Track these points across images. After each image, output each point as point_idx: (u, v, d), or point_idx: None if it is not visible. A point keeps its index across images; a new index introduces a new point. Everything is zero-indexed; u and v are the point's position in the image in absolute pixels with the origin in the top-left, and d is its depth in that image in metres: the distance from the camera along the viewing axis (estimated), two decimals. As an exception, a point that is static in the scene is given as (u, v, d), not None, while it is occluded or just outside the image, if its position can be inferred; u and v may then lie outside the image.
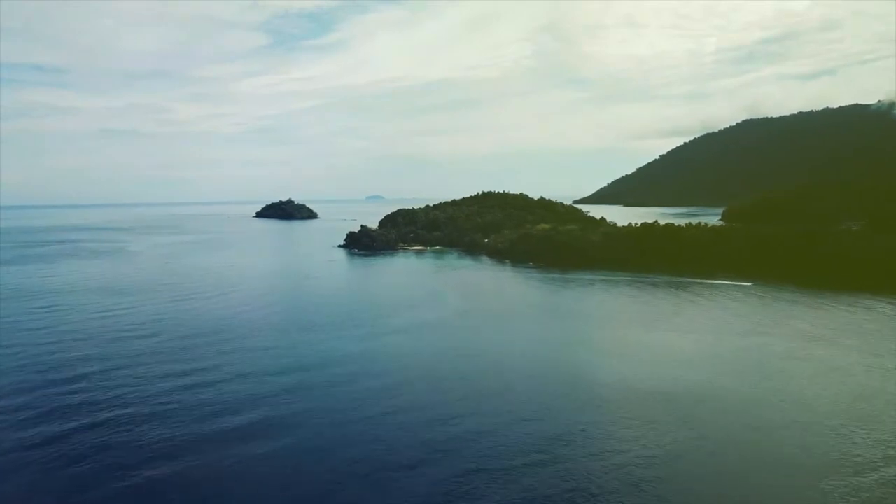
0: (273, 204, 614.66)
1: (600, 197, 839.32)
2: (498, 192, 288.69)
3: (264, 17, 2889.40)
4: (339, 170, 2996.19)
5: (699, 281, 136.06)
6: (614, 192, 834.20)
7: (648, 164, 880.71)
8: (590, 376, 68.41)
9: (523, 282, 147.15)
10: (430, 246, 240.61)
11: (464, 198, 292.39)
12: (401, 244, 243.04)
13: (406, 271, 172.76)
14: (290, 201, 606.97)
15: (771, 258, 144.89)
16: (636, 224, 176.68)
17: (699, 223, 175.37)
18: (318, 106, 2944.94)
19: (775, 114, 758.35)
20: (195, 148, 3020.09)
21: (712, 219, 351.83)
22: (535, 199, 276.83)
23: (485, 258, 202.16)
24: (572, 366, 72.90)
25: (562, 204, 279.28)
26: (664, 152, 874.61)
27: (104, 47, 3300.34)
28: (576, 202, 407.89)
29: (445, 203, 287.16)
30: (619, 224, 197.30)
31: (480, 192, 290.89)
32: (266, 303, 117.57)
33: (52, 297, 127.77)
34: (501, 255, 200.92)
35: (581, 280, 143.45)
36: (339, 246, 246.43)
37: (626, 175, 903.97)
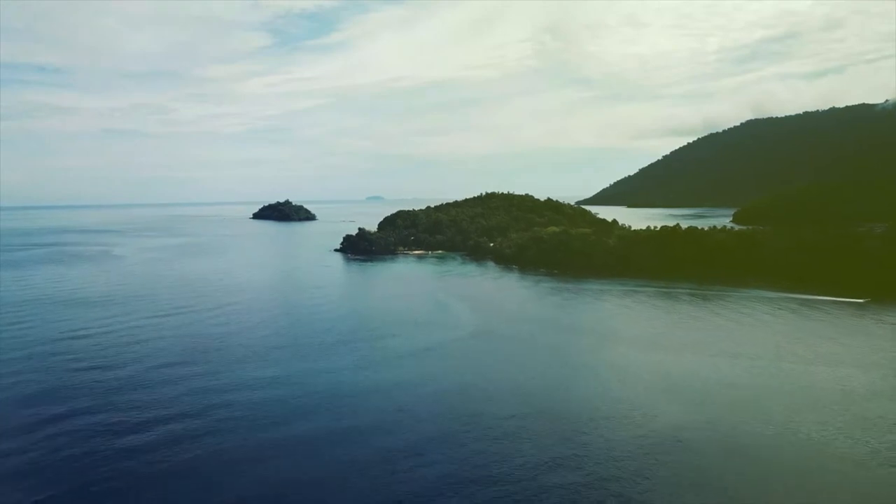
0: (270, 205, 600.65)
1: (603, 198, 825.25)
2: (502, 193, 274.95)
3: (266, 17, 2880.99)
4: (339, 170, 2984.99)
5: (740, 292, 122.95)
6: (617, 193, 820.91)
7: (651, 164, 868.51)
8: (641, 422, 55.31)
9: (537, 293, 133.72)
10: (432, 250, 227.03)
11: (466, 199, 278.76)
12: (401, 248, 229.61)
13: (407, 280, 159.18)
14: (287, 202, 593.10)
15: (813, 265, 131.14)
16: (655, 227, 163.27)
17: (724, 227, 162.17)
18: (319, 106, 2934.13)
19: (780, 113, 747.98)
20: (197, 148, 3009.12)
21: (723, 220, 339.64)
22: (542, 200, 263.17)
23: (491, 264, 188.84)
24: (620, 411, 59.66)
25: (570, 205, 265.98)
26: (666, 152, 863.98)
27: (106, 47, 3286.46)
28: (578, 203, 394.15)
29: (448, 204, 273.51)
30: (631, 227, 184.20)
31: (484, 193, 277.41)
32: (250, 321, 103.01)
33: (15, 309, 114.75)
34: (509, 260, 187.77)
35: (601, 291, 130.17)
36: (336, 250, 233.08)
37: (629, 176, 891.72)
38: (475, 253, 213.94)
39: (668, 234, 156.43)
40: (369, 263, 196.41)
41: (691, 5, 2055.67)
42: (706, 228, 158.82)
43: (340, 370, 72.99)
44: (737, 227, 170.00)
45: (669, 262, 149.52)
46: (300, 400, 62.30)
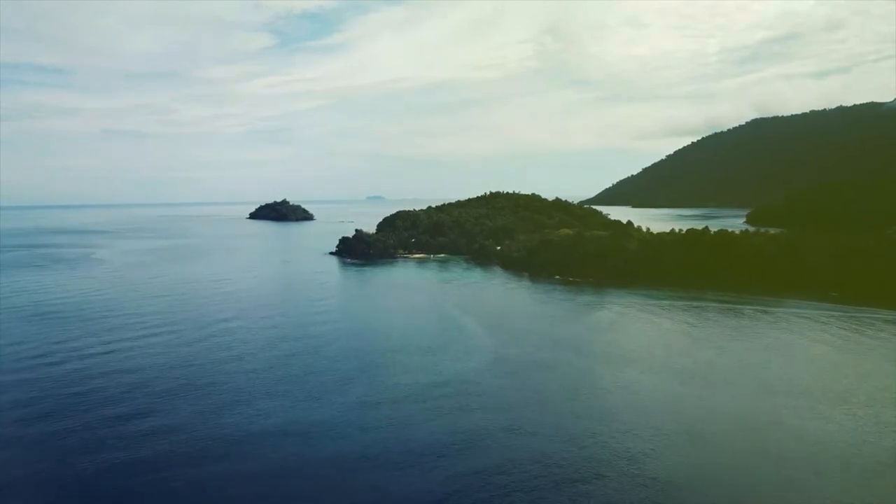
0: (267, 205, 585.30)
1: (605, 198, 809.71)
2: (507, 193, 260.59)
3: (267, 18, 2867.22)
4: (340, 170, 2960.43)
5: (784, 306, 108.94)
6: (620, 193, 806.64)
7: (655, 164, 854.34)
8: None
9: (555, 305, 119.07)
10: (434, 254, 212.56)
11: (470, 199, 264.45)
12: (400, 251, 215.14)
13: (409, 288, 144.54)
14: (284, 202, 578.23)
15: (864, 273, 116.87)
16: (680, 230, 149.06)
17: (757, 231, 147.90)
18: (320, 107, 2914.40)
19: (785, 112, 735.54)
20: (197, 149, 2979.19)
21: (735, 220, 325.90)
22: (550, 199, 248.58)
23: (498, 269, 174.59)
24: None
25: (580, 206, 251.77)
26: (669, 152, 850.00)
27: (106, 47, 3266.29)
28: (581, 203, 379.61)
29: (450, 204, 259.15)
30: (650, 229, 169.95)
31: (488, 193, 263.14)
32: (224, 349, 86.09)
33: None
34: (517, 265, 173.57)
35: (626, 304, 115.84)
36: (331, 253, 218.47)
37: (632, 175, 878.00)
38: (480, 257, 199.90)
39: (695, 238, 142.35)
40: (367, 268, 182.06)
41: (692, 6, 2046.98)
42: (737, 232, 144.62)
43: (329, 421, 58.49)
44: (766, 230, 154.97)
45: (697, 268, 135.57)
46: (277, 480, 47.98)
